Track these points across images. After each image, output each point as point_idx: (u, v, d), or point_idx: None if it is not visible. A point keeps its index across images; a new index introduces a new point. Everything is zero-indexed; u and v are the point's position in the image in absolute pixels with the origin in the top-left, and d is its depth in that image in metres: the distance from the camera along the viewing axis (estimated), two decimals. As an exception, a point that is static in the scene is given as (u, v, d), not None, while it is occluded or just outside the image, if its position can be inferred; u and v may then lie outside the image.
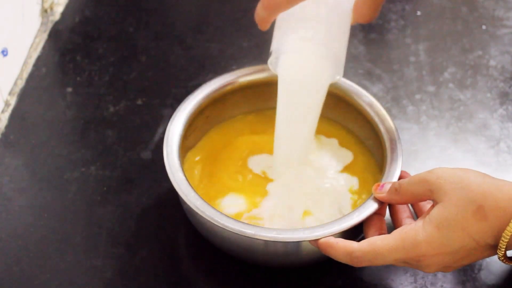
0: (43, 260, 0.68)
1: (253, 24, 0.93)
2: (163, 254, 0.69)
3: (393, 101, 0.83)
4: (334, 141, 0.74)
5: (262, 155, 0.72)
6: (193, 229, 0.68)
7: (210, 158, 0.72)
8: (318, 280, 0.67)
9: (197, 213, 0.62)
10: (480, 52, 0.89)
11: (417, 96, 0.84)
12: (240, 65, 0.80)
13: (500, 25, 0.92)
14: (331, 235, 0.61)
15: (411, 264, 0.59)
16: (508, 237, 0.55)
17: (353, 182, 0.70)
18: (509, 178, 0.59)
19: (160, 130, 0.79)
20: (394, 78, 0.86)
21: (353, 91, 0.72)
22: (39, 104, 0.83)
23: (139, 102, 0.83)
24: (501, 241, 0.55)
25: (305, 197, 0.68)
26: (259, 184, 0.70)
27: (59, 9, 0.93)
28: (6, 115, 0.81)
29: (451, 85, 0.85)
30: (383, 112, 0.71)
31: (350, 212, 0.63)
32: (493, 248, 0.57)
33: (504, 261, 0.57)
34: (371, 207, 0.63)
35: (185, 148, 0.70)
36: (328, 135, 0.74)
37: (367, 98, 0.72)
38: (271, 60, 0.65)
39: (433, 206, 0.58)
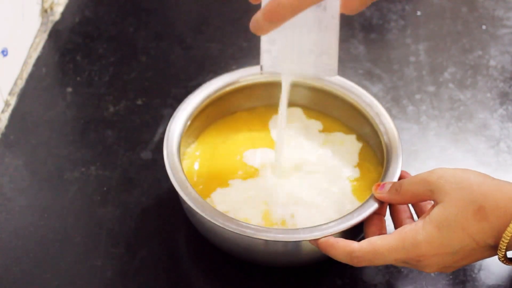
0: (43, 260, 0.68)
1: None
2: (163, 254, 0.69)
3: (393, 101, 0.83)
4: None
5: (259, 149, 0.72)
6: (193, 229, 0.68)
7: (209, 153, 0.72)
8: (318, 280, 0.67)
9: (197, 213, 0.62)
10: (480, 52, 0.89)
11: (417, 96, 0.84)
12: (240, 65, 0.80)
13: (500, 25, 0.92)
14: (331, 235, 0.61)
15: (411, 264, 0.59)
16: (508, 238, 0.55)
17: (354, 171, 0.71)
18: (509, 178, 0.59)
19: (160, 130, 0.79)
20: (394, 78, 0.86)
21: (353, 91, 0.72)
22: (39, 104, 0.83)
23: (139, 102, 0.83)
24: (501, 242, 0.55)
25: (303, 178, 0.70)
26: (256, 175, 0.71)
27: (59, 9, 0.93)
28: (6, 115, 0.81)
29: (451, 85, 0.85)
30: (383, 112, 0.71)
31: (350, 212, 0.63)
32: (493, 249, 0.56)
33: (504, 262, 0.57)
34: (371, 207, 0.63)
35: (184, 144, 0.70)
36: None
37: (367, 98, 0.72)
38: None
39: (433, 206, 0.58)
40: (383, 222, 0.63)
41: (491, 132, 0.80)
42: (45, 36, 0.90)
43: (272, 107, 0.75)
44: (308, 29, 0.59)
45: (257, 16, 0.56)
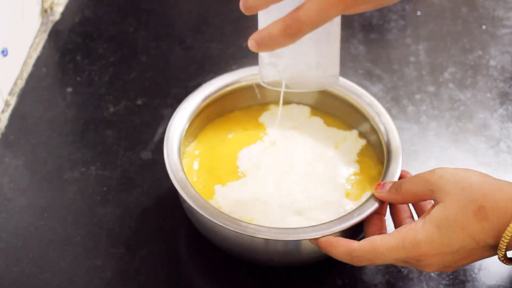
0: (43, 260, 0.68)
1: (253, 24, 0.93)
2: (163, 254, 0.69)
3: (393, 101, 0.83)
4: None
5: (257, 148, 0.73)
6: (193, 229, 0.68)
7: (209, 152, 0.72)
8: (318, 279, 0.67)
9: (197, 212, 0.62)
10: (480, 52, 0.89)
11: (417, 96, 0.84)
12: (240, 65, 0.80)
13: (500, 25, 0.92)
14: (331, 234, 0.61)
15: (411, 264, 0.59)
16: (508, 237, 0.55)
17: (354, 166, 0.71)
18: (509, 178, 0.59)
19: (160, 130, 0.79)
20: (394, 78, 0.86)
21: (353, 91, 0.73)
22: (39, 104, 0.83)
23: (139, 102, 0.83)
24: (501, 242, 0.55)
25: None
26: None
27: (59, 9, 0.93)
28: (6, 115, 0.81)
29: (451, 85, 0.85)
30: (383, 112, 0.71)
31: (350, 212, 0.63)
32: (493, 249, 0.56)
33: (504, 261, 0.57)
34: (371, 207, 0.63)
35: (184, 143, 0.70)
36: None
37: (367, 98, 0.72)
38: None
39: (433, 206, 0.58)
40: (383, 222, 0.63)
41: (491, 132, 0.80)
42: (45, 36, 0.90)
43: (268, 104, 0.76)
44: (315, 42, 0.58)
45: (271, 31, 0.54)
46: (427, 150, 0.78)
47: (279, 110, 0.73)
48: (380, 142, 0.70)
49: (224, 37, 0.91)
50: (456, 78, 0.86)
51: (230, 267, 0.68)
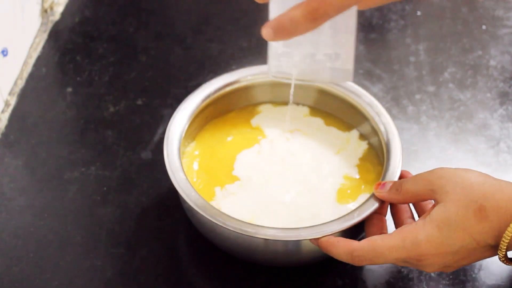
0: (43, 260, 0.68)
1: (253, 24, 0.94)
2: (163, 254, 0.69)
3: (393, 101, 0.83)
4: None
5: (256, 148, 0.73)
6: (193, 229, 0.68)
7: (208, 152, 0.72)
8: (318, 279, 0.67)
9: (198, 212, 0.62)
10: (480, 52, 0.89)
11: (417, 96, 0.84)
12: (240, 65, 0.80)
13: (500, 25, 0.92)
14: (332, 234, 0.61)
15: (411, 264, 0.59)
16: (508, 238, 0.55)
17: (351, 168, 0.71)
18: (509, 178, 0.59)
19: (160, 130, 0.79)
20: (394, 78, 0.86)
21: (353, 91, 0.73)
22: (39, 104, 0.83)
23: (139, 102, 0.83)
24: (501, 242, 0.55)
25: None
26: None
27: (59, 9, 0.93)
28: (6, 115, 0.81)
29: (451, 85, 0.85)
30: (383, 112, 0.71)
31: (351, 211, 0.63)
32: (494, 249, 0.56)
33: (504, 262, 0.57)
34: (372, 206, 0.63)
35: (184, 143, 0.70)
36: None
37: (367, 98, 0.72)
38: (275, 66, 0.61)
39: (434, 205, 0.58)
40: (383, 222, 0.63)
41: (491, 132, 0.80)
42: (45, 36, 0.90)
43: (266, 104, 0.76)
44: (334, 31, 0.56)
45: (293, 16, 0.51)
46: (427, 150, 0.78)
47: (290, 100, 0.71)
48: (380, 142, 0.69)
49: (224, 37, 0.91)
50: (456, 78, 0.86)
51: (230, 267, 0.68)
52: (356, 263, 0.59)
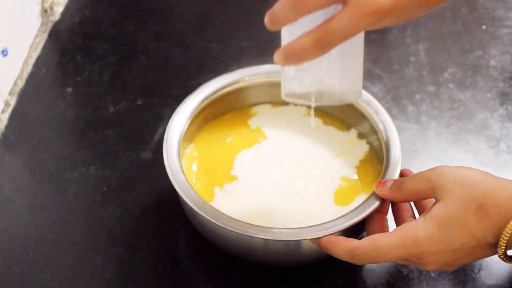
0: (43, 260, 0.68)
1: (253, 24, 0.94)
2: (163, 254, 0.69)
3: (393, 101, 0.83)
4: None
5: (255, 149, 0.73)
6: (193, 229, 0.68)
7: (207, 153, 0.72)
8: (318, 279, 0.67)
9: (199, 214, 0.62)
10: (480, 52, 0.89)
11: (417, 96, 0.84)
12: (240, 65, 0.80)
13: (500, 25, 0.92)
14: (332, 233, 0.61)
15: (412, 262, 0.59)
16: (508, 235, 0.55)
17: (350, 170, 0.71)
18: (509, 178, 0.59)
19: (160, 130, 0.79)
20: (394, 78, 0.86)
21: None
22: (39, 104, 0.83)
23: (139, 102, 0.83)
24: (501, 239, 0.55)
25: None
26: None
27: (59, 9, 0.93)
28: (6, 115, 0.81)
29: (451, 85, 0.85)
30: (382, 110, 0.71)
31: (352, 210, 0.63)
32: (494, 247, 0.57)
33: (504, 259, 0.57)
34: (372, 205, 0.63)
35: (183, 145, 0.70)
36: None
37: (365, 96, 0.72)
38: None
39: (434, 204, 0.58)
40: (384, 221, 0.63)
41: (491, 132, 0.80)
42: (45, 36, 0.90)
43: (265, 104, 0.76)
44: (342, 55, 0.58)
45: (302, 43, 0.54)
46: (427, 150, 0.78)
47: (311, 121, 0.74)
48: (380, 142, 0.70)
49: (224, 37, 0.91)
50: (456, 78, 0.86)
51: (230, 267, 0.68)
52: (357, 262, 0.59)
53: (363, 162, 0.71)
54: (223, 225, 0.61)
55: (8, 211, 0.72)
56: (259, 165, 0.71)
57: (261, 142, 0.73)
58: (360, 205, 0.63)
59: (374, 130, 0.71)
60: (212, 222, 0.62)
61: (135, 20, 0.93)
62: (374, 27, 0.59)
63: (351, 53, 0.58)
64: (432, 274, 0.67)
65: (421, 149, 0.78)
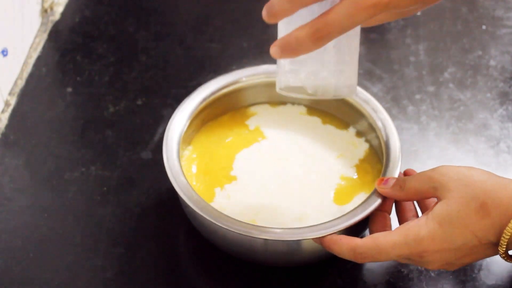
0: (43, 260, 0.68)
1: (253, 24, 0.94)
2: (163, 254, 0.69)
3: (393, 101, 0.83)
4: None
5: (253, 149, 0.73)
6: (193, 229, 0.68)
7: (206, 155, 0.72)
8: (318, 279, 0.67)
9: (200, 215, 0.62)
10: (480, 52, 0.89)
11: (417, 96, 0.84)
12: (240, 65, 0.80)
13: (500, 25, 0.92)
14: (334, 233, 0.61)
15: (414, 260, 0.59)
16: (509, 234, 0.55)
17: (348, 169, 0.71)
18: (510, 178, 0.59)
19: (160, 130, 0.79)
20: (394, 78, 0.86)
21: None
22: (39, 104, 0.83)
23: (139, 102, 0.83)
24: (502, 238, 0.55)
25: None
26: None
27: (59, 9, 0.93)
28: (6, 115, 0.81)
29: (451, 85, 0.85)
30: (380, 108, 0.71)
31: (353, 209, 0.63)
32: (495, 246, 0.57)
33: (505, 258, 0.57)
34: (373, 204, 0.63)
35: (181, 147, 0.70)
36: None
37: (363, 95, 0.72)
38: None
39: (436, 203, 0.59)
40: (387, 220, 0.63)
41: (491, 132, 0.80)
42: (45, 36, 0.90)
43: (264, 105, 0.76)
44: (338, 49, 0.58)
45: (298, 36, 0.54)
46: (427, 150, 0.78)
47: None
48: (379, 142, 0.70)
49: (224, 37, 0.91)
50: (456, 78, 0.86)
51: (230, 267, 0.68)
52: (359, 260, 0.59)
53: (362, 161, 0.71)
54: (224, 226, 0.61)
55: (8, 211, 0.72)
56: (259, 165, 0.71)
57: (260, 142, 0.73)
58: (360, 204, 0.63)
59: (372, 128, 0.71)
60: (213, 223, 0.62)
61: (135, 20, 0.93)
62: (372, 23, 0.60)
63: (347, 48, 0.58)
64: (432, 274, 0.67)
65: (421, 149, 0.78)
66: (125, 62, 0.87)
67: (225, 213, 0.63)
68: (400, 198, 0.63)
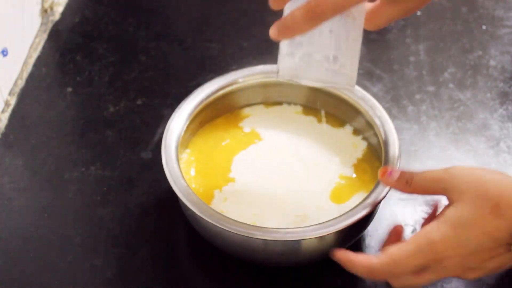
0: (43, 260, 0.68)
1: (253, 24, 0.94)
2: (163, 254, 0.69)
3: (393, 101, 0.83)
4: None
5: (252, 151, 0.73)
6: (193, 229, 0.68)
7: (204, 157, 0.72)
8: (318, 279, 0.67)
9: (201, 218, 0.62)
10: (480, 52, 0.89)
11: (417, 96, 0.84)
12: (240, 65, 0.80)
13: (500, 25, 0.92)
14: (332, 233, 0.61)
15: (432, 270, 0.57)
16: None
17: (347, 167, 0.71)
18: (509, 178, 0.59)
19: (160, 130, 0.79)
20: (394, 78, 0.86)
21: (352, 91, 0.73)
22: (39, 104, 0.83)
23: (139, 102, 0.83)
24: None
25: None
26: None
27: (59, 9, 0.93)
28: (6, 115, 0.81)
29: (451, 85, 0.85)
30: (380, 109, 0.71)
31: (352, 209, 0.63)
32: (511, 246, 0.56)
33: None
34: (371, 204, 0.63)
35: (180, 150, 0.70)
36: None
37: (359, 92, 0.72)
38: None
39: (448, 206, 0.58)
40: (400, 233, 0.61)
41: (491, 132, 0.80)
42: (45, 36, 0.90)
43: (259, 105, 0.76)
44: (335, 36, 0.58)
45: (294, 15, 0.55)
46: (427, 150, 0.78)
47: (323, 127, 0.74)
48: (376, 136, 0.70)
49: (224, 37, 0.91)
50: (456, 78, 0.86)
51: (230, 267, 0.68)
52: (376, 278, 0.58)
53: (360, 160, 0.71)
54: (224, 227, 0.61)
55: (8, 211, 0.72)
56: (256, 166, 0.71)
57: (257, 143, 0.73)
58: (359, 203, 0.63)
59: (370, 126, 0.71)
60: (214, 225, 0.62)
61: (135, 20, 0.93)
62: (377, 25, 0.59)
63: (344, 36, 0.59)
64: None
65: (421, 149, 0.78)
66: (125, 62, 0.87)
67: (224, 214, 0.63)
68: (405, 192, 0.61)
